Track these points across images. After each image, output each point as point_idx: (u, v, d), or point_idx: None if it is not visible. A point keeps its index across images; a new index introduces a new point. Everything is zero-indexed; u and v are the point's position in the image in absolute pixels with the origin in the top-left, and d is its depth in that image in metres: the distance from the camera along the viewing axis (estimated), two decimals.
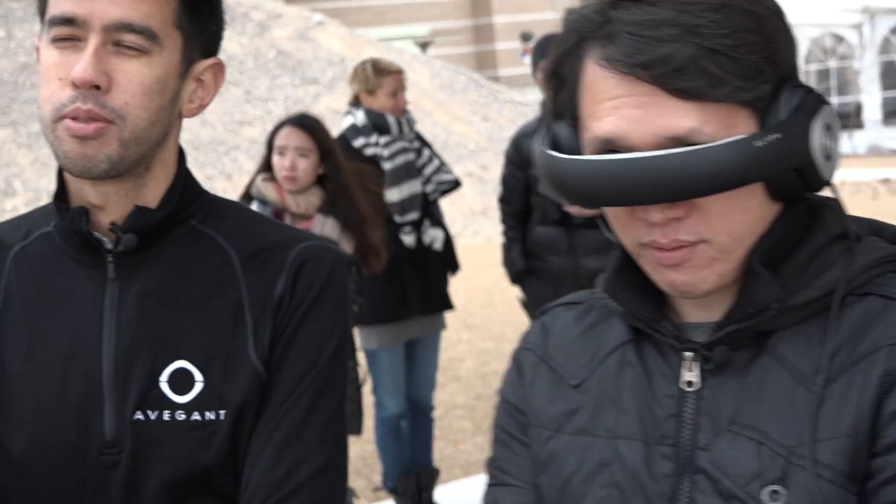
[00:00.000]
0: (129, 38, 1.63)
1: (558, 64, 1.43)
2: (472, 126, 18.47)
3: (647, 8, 1.33)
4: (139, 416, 1.66)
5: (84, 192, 1.71)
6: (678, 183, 1.30)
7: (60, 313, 1.71)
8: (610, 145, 1.35)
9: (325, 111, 18.08)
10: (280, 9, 20.85)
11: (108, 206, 1.71)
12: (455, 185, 6.16)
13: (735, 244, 1.37)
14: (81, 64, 1.61)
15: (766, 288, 1.37)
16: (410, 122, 6.08)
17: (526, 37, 34.45)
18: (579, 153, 1.40)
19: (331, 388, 1.72)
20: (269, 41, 19.61)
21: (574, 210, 5.43)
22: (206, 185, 15.85)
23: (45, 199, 14.55)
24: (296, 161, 4.92)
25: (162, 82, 1.67)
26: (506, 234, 5.92)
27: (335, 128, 5.72)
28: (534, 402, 1.53)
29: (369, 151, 5.79)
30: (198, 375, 1.67)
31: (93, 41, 1.62)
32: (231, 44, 19.04)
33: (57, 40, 1.65)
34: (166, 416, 1.66)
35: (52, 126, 1.64)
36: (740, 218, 1.36)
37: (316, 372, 1.70)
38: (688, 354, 1.41)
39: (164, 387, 1.66)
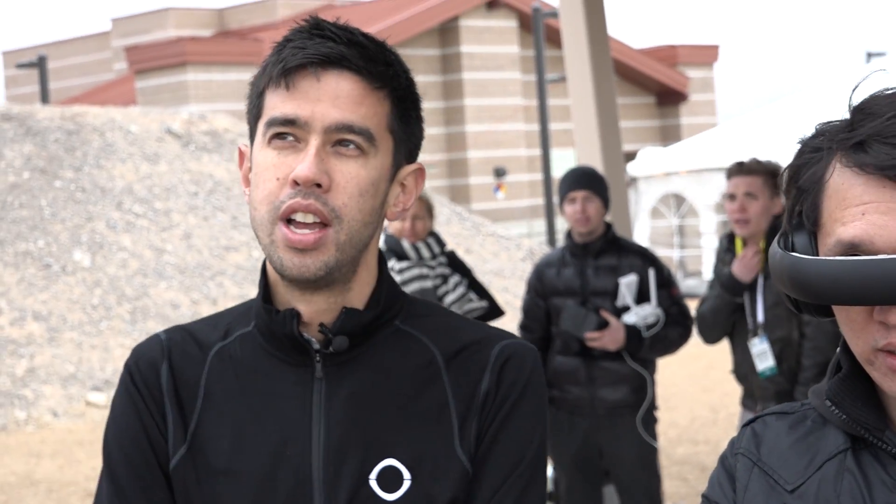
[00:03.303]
0: (349, 139, 1.67)
1: (797, 175, 1.49)
2: None
3: (894, 120, 1.40)
4: None
5: (292, 298, 1.74)
6: None
7: (267, 411, 1.73)
8: (854, 250, 1.40)
9: None
10: None
11: (317, 309, 1.74)
12: (489, 312, 6.17)
13: None
14: (305, 163, 1.65)
15: None
16: (433, 248, 6.09)
17: (499, 172, 34.76)
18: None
19: (536, 482, 1.74)
20: None
21: (597, 343, 5.47)
22: (192, 309, 15.86)
23: (30, 318, 14.48)
24: None
25: (375, 184, 1.71)
26: None
27: None
28: None
29: None
30: (406, 474, 1.69)
31: (314, 142, 1.67)
32: (218, 169, 19.14)
33: (275, 141, 1.69)
34: None
35: (270, 228, 1.68)
36: None
37: (522, 468, 1.72)
38: None
39: (374, 485, 1.69)
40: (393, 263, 5.91)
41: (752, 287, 5.34)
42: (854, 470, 1.49)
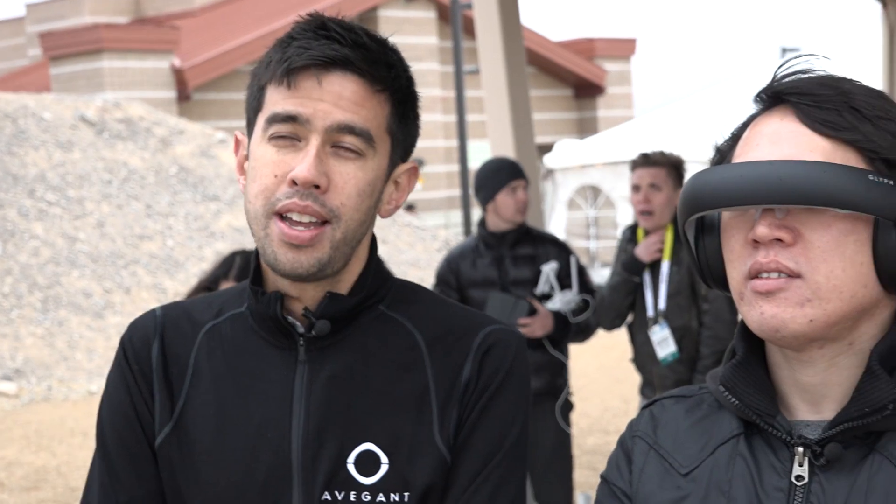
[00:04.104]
0: (349, 140, 1.70)
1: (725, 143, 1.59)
2: None
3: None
4: (326, 496, 1.72)
5: (280, 284, 1.77)
6: (794, 187, 1.42)
7: (250, 392, 1.77)
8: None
9: (227, 228, 18.07)
10: (182, 125, 20.87)
11: (303, 297, 1.77)
12: None
13: (830, 293, 1.45)
14: (305, 164, 1.68)
15: (883, 388, 1.45)
16: None
17: (417, 163, 34.82)
18: None
19: (514, 472, 1.77)
20: (171, 157, 19.60)
21: (527, 331, 5.49)
22: (104, 298, 15.73)
23: None
24: None
25: (372, 184, 1.74)
26: None
27: (235, 246, 5.76)
28: (643, 488, 1.59)
29: None
30: (384, 458, 1.72)
31: (314, 141, 1.69)
32: (133, 158, 18.99)
33: (275, 138, 1.71)
34: (352, 496, 1.71)
35: (265, 222, 1.71)
36: (841, 266, 1.44)
37: (500, 456, 1.75)
38: (799, 449, 1.48)
39: (351, 468, 1.72)
40: None
41: (654, 274, 5.45)
42: (746, 454, 1.53)
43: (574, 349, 7.61)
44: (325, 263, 1.71)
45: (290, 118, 1.70)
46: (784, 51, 33.82)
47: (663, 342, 5.39)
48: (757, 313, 1.47)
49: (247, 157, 1.78)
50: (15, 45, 41.21)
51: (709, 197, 1.48)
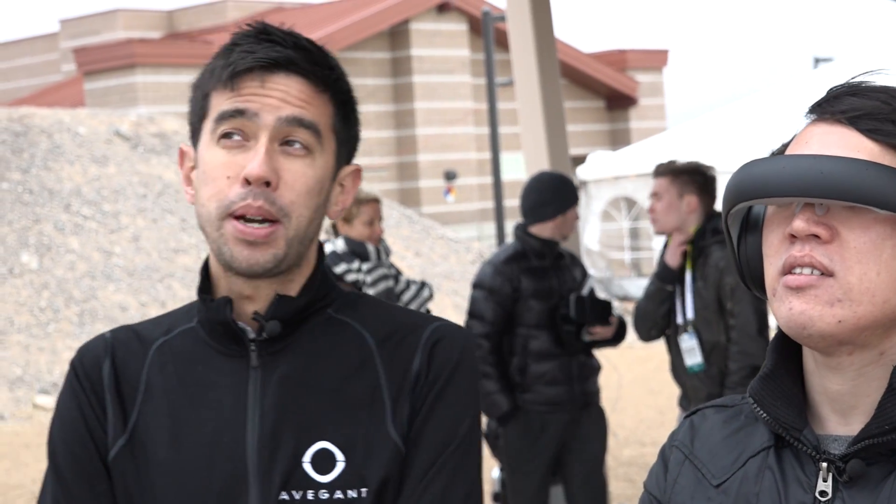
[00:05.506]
0: (299, 134, 1.74)
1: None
2: (404, 261, 18.60)
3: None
4: (284, 496, 1.73)
5: (234, 285, 1.79)
6: (835, 183, 1.42)
7: (203, 402, 1.78)
8: None
9: None
10: None
11: (256, 297, 1.79)
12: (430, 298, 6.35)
13: (862, 295, 1.44)
14: (256, 161, 1.71)
15: None
16: (387, 251, 6.18)
17: (450, 175, 34.83)
18: None
19: (469, 461, 1.79)
20: None
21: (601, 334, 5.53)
22: (140, 311, 15.79)
23: None
24: None
25: (321, 182, 1.78)
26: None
27: None
28: (676, 498, 1.60)
29: (351, 277, 5.89)
30: (339, 455, 1.74)
31: (263, 139, 1.72)
32: (167, 172, 19.08)
33: (223, 138, 1.74)
34: (310, 495, 1.73)
35: (218, 224, 1.73)
36: (876, 269, 1.44)
37: (454, 446, 1.77)
38: (823, 465, 1.48)
39: (308, 467, 1.74)
40: (358, 264, 6.01)
41: (681, 283, 5.50)
42: (774, 468, 1.53)
43: (611, 360, 7.60)
44: (281, 259, 1.74)
45: (238, 112, 1.73)
46: (817, 61, 33.70)
47: (691, 351, 5.42)
48: (786, 309, 1.46)
49: (193, 168, 1.81)
50: (49, 61, 41.46)
51: (750, 188, 1.49)
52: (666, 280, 5.52)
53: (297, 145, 1.74)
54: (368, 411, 1.76)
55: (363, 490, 1.73)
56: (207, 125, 1.77)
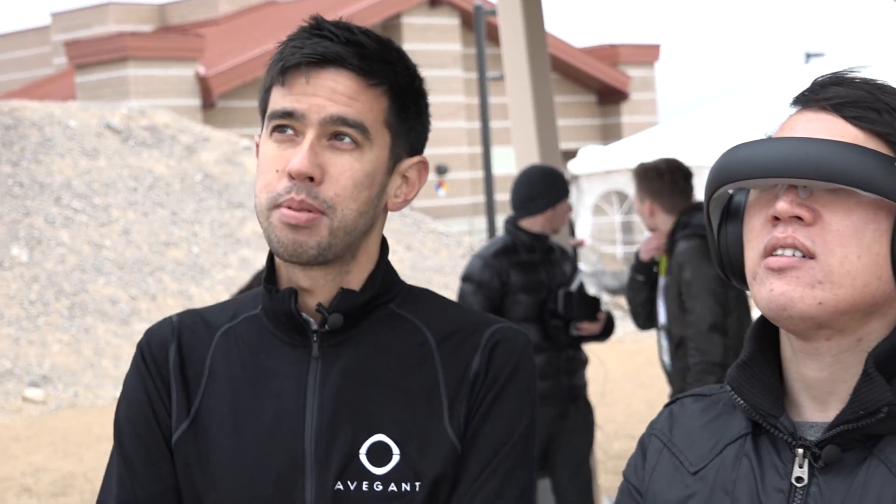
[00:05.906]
0: (344, 131, 1.76)
1: None
2: (395, 255, 18.61)
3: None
4: (339, 486, 1.76)
5: (294, 276, 1.83)
6: (819, 164, 1.44)
7: (265, 390, 1.82)
8: None
9: (252, 235, 18.11)
10: (207, 133, 20.95)
11: (316, 289, 1.83)
12: None
13: (842, 278, 1.45)
14: (298, 157, 1.74)
15: (877, 391, 1.45)
16: None
17: (441, 170, 34.81)
18: None
19: (523, 462, 1.81)
20: (196, 164, 19.67)
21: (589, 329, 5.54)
22: (130, 305, 15.78)
23: None
24: None
25: (370, 176, 1.79)
26: None
27: (263, 253, 5.80)
28: (654, 485, 1.62)
29: None
30: (395, 449, 1.77)
31: (309, 135, 1.76)
32: (158, 165, 19.06)
33: (275, 132, 1.79)
34: (364, 486, 1.76)
35: (268, 213, 1.78)
36: (857, 252, 1.45)
37: (509, 447, 1.79)
38: (799, 451, 1.49)
39: (363, 459, 1.77)
40: None
41: (653, 285, 5.64)
42: (751, 455, 1.54)
43: (600, 354, 7.60)
44: (326, 247, 1.76)
45: (286, 114, 1.77)
46: (808, 56, 33.74)
47: (664, 348, 5.57)
48: (767, 290, 1.47)
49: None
50: (40, 54, 41.40)
51: (734, 170, 1.51)
52: (636, 270, 5.68)
53: (346, 139, 1.76)
54: (426, 408, 1.79)
55: (417, 484, 1.76)
56: (265, 120, 1.82)
